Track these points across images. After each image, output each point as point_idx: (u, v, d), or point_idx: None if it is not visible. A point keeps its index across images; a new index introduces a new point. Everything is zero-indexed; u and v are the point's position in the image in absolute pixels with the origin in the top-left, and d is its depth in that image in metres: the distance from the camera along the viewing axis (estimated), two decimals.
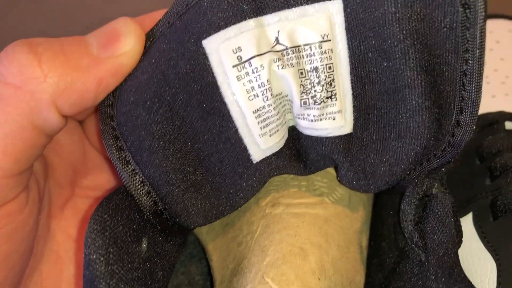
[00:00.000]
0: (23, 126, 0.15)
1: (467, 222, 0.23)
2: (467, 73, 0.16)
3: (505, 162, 0.23)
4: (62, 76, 0.15)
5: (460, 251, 0.22)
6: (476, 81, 0.16)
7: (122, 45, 0.16)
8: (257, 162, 0.18)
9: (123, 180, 0.17)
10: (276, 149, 0.18)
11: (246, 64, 0.16)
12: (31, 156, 0.16)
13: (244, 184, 0.18)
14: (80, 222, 0.21)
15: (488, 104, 0.28)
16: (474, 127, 0.17)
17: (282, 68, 0.16)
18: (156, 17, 0.18)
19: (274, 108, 0.17)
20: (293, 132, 0.19)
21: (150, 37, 0.17)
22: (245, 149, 0.18)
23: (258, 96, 0.16)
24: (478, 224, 0.22)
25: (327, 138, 0.18)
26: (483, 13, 0.15)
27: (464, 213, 0.24)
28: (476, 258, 0.21)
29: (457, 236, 0.18)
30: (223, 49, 0.16)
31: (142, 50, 0.17)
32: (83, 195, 0.21)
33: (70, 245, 0.20)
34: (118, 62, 0.16)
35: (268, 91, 0.16)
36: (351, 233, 0.21)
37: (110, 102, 0.17)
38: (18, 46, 0.15)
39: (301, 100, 0.17)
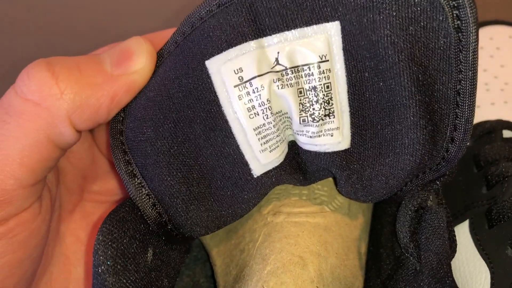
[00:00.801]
0: (40, 140, 0.16)
1: (464, 229, 0.24)
2: (461, 92, 0.16)
3: (501, 171, 0.24)
4: (77, 93, 0.16)
5: (456, 257, 0.23)
6: (469, 100, 0.16)
7: (135, 63, 0.17)
8: (258, 176, 0.19)
9: (130, 193, 0.18)
10: (276, 163, 0.19)
11: (247, 84, 0.17)
12: (46, 168, 0.17)
13: (246, 196, 0.19)
14: (91, 227, 0.22)
15: (487, 112, 0.29)
16: (468, 143, 0.17)
17: (281, 88, 0.17)
18: (165, 35, 0.18)
19: (274, 126, 0.18)
20: (293, 147, 0.19)
21: (160, 56, 0.17)
22: (246, 164, 0.18)
23: (258, 114, 0.17)
24: (474, 232, 0.23)
25: (325, 153, 0.18)
26: (475, 36, 0.15)
27: (461, 220, 0.24)
28: (471, 265, 0.22)
29: (451, 247, 0.18)
30: (225, 69, 0.16)
31: (154, 68, 0.17)
32: (91, 200, 0.22)
33: (79, 247, 0.21)
34: (130, 79, 0.17)
35: (268, 109, 0.17)
36: (350, 241, 0.22)
37: (121, 118, 0.18)
38: (37, 65, 0.16)
39: (300, 118, 0.17)
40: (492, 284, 0.20)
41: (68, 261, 0.20)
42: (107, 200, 0.23)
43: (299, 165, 0.20)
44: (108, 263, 0.16)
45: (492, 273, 0.20)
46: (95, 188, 0.22)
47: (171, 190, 0.18)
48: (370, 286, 0.22)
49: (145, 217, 0.18)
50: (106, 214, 0.22)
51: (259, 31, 0.16)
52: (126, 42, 0.17)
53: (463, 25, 0.15)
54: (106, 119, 0.17)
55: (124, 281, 0.16)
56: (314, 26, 0.16)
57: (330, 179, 0.22)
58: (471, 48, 0.15)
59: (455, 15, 0.15)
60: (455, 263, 0.23)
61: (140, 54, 0.17)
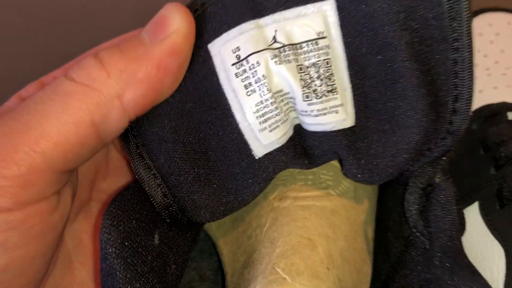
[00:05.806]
0: (82, 119, 0.16)
1: (473, 212, 0.24)
2: (458, 61, 0.16)
3: (510, 151, 0.23)
4: (123, 70, 0.16)
5: (467, 239, 0.23)
6: (468, 68, 0.16)
7: (171, 26, 0.17)
8: (260, 158, 0.19)
9: (136, 173, 0.18)
10: (277, 145, 0.19)
11: (244, 62, 0.17)
12: (79, 156, 0.16)
13: (250, 181, 0.19)
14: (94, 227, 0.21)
15: (490, 95, 0.29)
16: (471, 113, 0.17)
17: (279, 63, 0.17)
18: None
19: (272, 104, 0.18)
20: (299, 130, 0.19)
21: (195, 11, 0.17)
22: (246, 144, 0.18)
23: (255, 91, 0.17)
24: (485, 213, 0.23)
25: (331, 132, 0.18)
26: (466, 4, 0.15)
27: (470, 203, 0.24)
28: (483, 246, 0.22)
29: (460, 224, 0.18)
30: (224, 49, 0.17)
31: (192, 24, 0.17)
32: (98, 200, 0.22)
33: (81, 249, 0.21)
34: (171, 41, 0.16)
35: (264, 86, 0.17)
36: (357, 224, 0.22)
37: None
38: (86, 56, 0.17)
39: (303, 93, 0.17)
40: (508, 262, 0.20)
41: (71, 265, 0.20)
42: None
43: (304, 149, 0.20)
44: (116, 245, 0.16)
45: (506, 251, 0.20)
46: (105, 186, 0.22)
47: (174, 168, 0.18)
48: (378, 271, 0.22)
49: (151, 198, 0.18)
50: None
51: (257, 12, 0.17)
52: (159, 12, 0.17)
53: None
54: (164, 91, 0.17)
55: (132, 263, 0.16)
56: (310, 5, 0.16)
57: (336, 164, 0.22)
58: (464, 14, 0.15)
59: None
60: (465, 246, 0.23)
61: (173, 15, 0.17)
